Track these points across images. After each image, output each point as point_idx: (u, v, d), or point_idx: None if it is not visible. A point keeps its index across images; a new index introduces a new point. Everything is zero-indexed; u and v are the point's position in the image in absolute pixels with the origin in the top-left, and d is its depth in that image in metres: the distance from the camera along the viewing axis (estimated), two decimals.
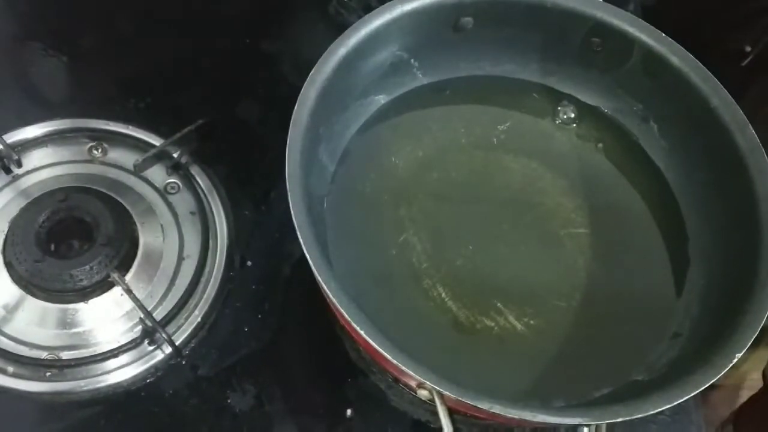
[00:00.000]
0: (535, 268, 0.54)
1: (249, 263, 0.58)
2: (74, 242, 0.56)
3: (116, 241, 0.55)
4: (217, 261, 0.57)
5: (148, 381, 0.53)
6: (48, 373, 0.52)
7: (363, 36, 0.53)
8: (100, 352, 0.53)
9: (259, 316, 0.56)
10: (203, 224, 0.58)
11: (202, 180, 0.60)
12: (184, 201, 0.59)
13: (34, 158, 0.60)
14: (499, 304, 0.52)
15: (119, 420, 0.52)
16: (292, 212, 0.46)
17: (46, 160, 0.60)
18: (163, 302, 0.55)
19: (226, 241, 0.58)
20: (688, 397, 0.42)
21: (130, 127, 0.62)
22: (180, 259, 0.57)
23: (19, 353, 0.52)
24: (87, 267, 0.53)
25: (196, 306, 0.55)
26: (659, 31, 0.55)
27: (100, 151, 0.61)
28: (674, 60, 0.55)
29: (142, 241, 0.57)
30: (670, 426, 0.54)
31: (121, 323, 0.54)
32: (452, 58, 0.59)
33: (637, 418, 0.42)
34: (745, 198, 0.50)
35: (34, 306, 0.54)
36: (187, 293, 0.56)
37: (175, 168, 0.60)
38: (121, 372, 0.53)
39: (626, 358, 0.51)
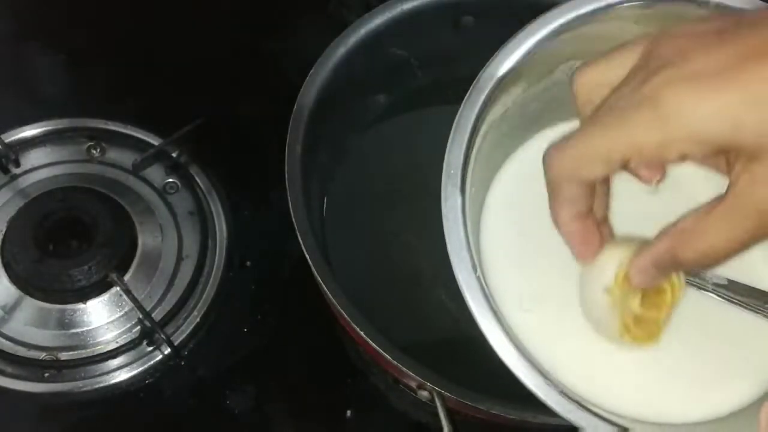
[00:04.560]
0: None
1: (248, 263, 0.58)
2: (72, 242, 0.56)
3: (115, 241, 0.54)
4: (216, 261, 0.57)
5: (146, 382, 0.53)
6: (46, 374, 0.52)
7: (363, 35, 0.53)
8: (99, 352, 0.53)
9: (259, 316, 0.56)
10: (202, 224, 0.58)
11: (201, 180, 0.60)
12: (182, 201, 0.59)
13: (32, 158, 0.60)
14: None
15: (118, 421, 0.52)
16: (291, 212, 0.46)
17: (44, 160, 0.60)
18: (162, 303, 0.55)
19: (225, 241, 0.58)
20: None
21: (129, 126, 0.61)
22: (179, 259, 0.57)
23: (17, 354, 0.52)
24: (85, 267, 0.53)
25: (195, 306, 0.55)
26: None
27: (98, 150, 0.61)
28: None
29: (140, 241, 0.56)
30: None
31: (119, 324, 0.54)
32: (452, 57, 0.59)
33: None
34: None
35: (32, 306, 0.53)
36: (186, 293, 0.55)
37: (174, 168, 0.60)
38: (119, 373, 0.52)
39: None
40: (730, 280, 0.39)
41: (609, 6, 0.39)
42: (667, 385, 0.39)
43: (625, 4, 0.39)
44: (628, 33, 0.41)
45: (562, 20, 0.39)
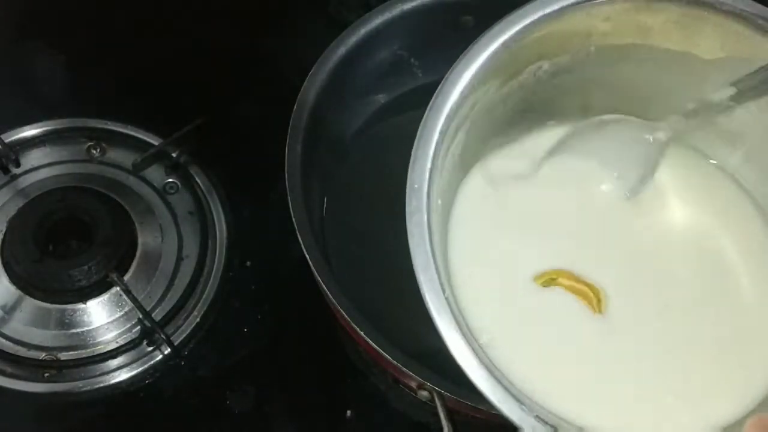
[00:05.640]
0: None
1: (248, 263, 0.58)
2: (72, 242, 0.56)
3: (115, 241, 0.54)
4: (216, 261, 0.57)
5: (146, 382, 0.53)
6: (46, 374, 0.52)
7: (363, 35, 0.53)
8: (99, 352, 0.53)
9: (259, 316, 0.56)
10: (202, 224, 0.58)
11: (201, 180, 0.60)
12: (182, 201, 0.59)
13: (32, 158, 0.60)
14: None
15: (118, 421, 0.52)
16: (291, 212, 0.46)
17: (44, 160, 0.60)
18: (162, 303, 0.55)
19: (225, 241, 0.58)
20: None
21: (129, 126, 0.61)
22: (179, 259, 0.57)
23: (17, 354, 0.52)
24: (85, 267, 0.53)
25: (195, 306, 0.55)
26: None
27: (98, 150, 0.61)
28: None
29: (140, 241, 0.56)
30: None
31: (119, 324, 0.54)
32: (452, 57, 0.59)
33: None
34: None
35: (32, 306, 0.53)
36: (186, 293, 0.55)
37: (174, 168, 0.60)
38: (119, 373, 0.52)
39: None
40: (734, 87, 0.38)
41: (577, 3, 0.38)
42: (651, 400, 0.38)
43: (596, 0, 0.38)
44: (598, 30, 0.40)
45: (528, 20, 0.37)
